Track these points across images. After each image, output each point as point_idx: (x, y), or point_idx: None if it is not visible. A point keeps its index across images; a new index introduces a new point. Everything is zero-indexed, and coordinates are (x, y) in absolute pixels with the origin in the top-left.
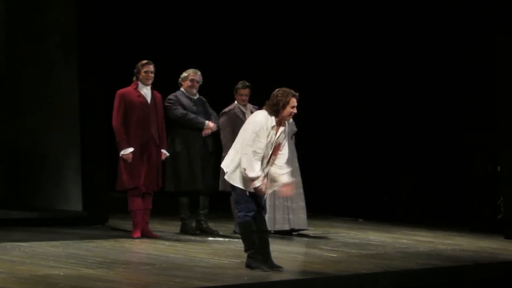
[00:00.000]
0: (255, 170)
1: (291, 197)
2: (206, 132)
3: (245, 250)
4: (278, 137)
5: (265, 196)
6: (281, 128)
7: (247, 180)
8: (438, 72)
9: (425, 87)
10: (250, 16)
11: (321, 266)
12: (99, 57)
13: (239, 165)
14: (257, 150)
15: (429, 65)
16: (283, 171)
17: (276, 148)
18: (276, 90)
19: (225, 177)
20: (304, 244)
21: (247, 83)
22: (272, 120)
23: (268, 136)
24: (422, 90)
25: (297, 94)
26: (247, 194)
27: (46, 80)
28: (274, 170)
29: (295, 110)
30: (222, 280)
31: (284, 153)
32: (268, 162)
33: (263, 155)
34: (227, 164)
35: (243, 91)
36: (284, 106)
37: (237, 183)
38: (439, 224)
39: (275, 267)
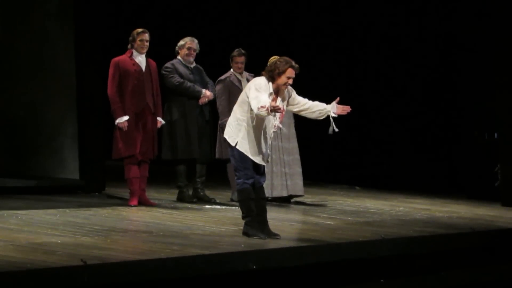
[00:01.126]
0: (264, 100)
1: (289, 163)
2: (202, 100)
3: (243, 217)
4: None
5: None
6: (279, 99)
7: (262, 110)
8: (440, 45)
9: (425, 60)
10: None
11: (318, 234)
12: (95, 25)
13: (240, 130)
14: (262, 97)
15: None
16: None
17: (281, 116)
18: (278, 57)
19: (229, 142)
20: (301, 212)
21: (243, 51)
22: (270, 87)
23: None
24: (421, 63)
25: (296, 65)
26: (247, 161)
27: (42, 49)
28: (316, 108)
29: (290, 81)
30: (219, 247)
31: (304, 101)
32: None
33: (265, 123)
34: (228, 131)
35: (239, 59)
36: (279, 74)
37: (240, 147)
38: (436, 192)
39: (272, 235)
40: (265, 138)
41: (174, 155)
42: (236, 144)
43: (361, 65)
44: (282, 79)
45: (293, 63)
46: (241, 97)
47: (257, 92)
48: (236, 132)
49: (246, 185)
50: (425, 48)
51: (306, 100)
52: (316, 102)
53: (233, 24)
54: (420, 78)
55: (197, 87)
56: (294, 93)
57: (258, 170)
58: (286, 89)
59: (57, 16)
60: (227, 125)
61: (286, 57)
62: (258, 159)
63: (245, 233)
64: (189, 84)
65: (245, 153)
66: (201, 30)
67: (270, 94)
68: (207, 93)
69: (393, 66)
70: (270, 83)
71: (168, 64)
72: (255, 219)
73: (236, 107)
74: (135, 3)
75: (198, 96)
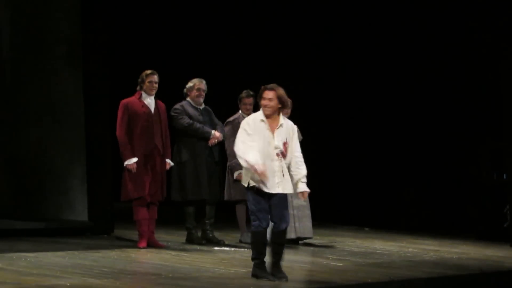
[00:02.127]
0: (249, 154)
1: (297, 206)
2: (212, 141)
3: (252, 259)
4: (274, 132)
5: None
6: (280, 124)
7: (250, 170)
8: (444, 81)
9: (431, 96)
10: (254, 25)
11: (327, 275)
12: (104, 67)
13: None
14: (245, 140)
15: (435, 74)
16: (298, 177)
17: (284, 147)
18: None
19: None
20: (310, 253)
21: (251, 92)
22: (260, 115)
23: (257, 130)
24: (428, 99)
25: (270, 86)
26: (261, 203)
27: (51, 91)
28: (292, 175)
29: (266, 102)
30: None
31: (298, 156)
32: (279, 160)
33: (266, 153)
34: (242, 175)
35: (247, 100)
36: (259, 99)
37: (246, 182)
38: (445, 233)
39: (281, 277)
40: (271, 170)
41: (184, 197)
42: (248, 185)
43: (372, 107)
44: (262, 102)
45: (266, 86)
46: None
47: (242, 130)
48: (245, 173)
49: (261, 228)
50: (434, 89)
51: (297, 156)
52: (296, 171)
53: (240, 64)
54: (432, 120)
55: (207, 128)
56: (296, 136)
57: (278, 212)
58: (289, 127)
59: (66, 58)
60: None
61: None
62: (267, 188)
63: (254, 275)
64: (198, 125)
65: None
66: (209, 70)
67: (262, 120)
68: (216, 134)
69: (402, 106)
70: (259, 112)
71: (177, 106)
72: (264, 262)
73: None
74: (144, 44)
75: (207, 137)
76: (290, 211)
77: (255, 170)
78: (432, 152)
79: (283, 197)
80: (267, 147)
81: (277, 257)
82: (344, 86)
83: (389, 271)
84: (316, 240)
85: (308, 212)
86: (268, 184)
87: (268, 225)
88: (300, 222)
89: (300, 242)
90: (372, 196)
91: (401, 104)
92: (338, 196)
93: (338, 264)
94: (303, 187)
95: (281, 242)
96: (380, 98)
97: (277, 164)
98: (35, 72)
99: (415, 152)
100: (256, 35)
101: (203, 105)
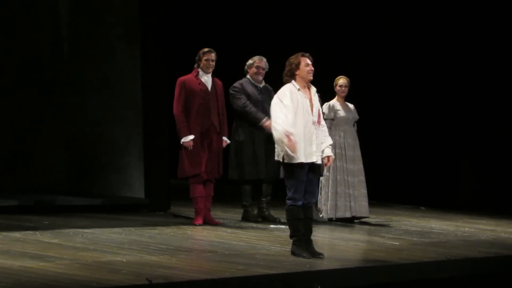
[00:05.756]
0: (286, 126)
1: (353, 185)
2: (267, 125)
3: (290, 237)
4: (312, 100)
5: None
6: (313, 90)
7: (283, 144)
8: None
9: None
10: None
11: (383, 254)
12: (162, 46)
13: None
14: (283, 112)
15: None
16: (326, 144)
17: (319, 115)
18: None
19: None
20: (366, 232)
21: None
22: (294, 84)
23: (294, 100)
24: (480, 77)
25: (306, 54)
26: (297, 179)
27: (108, 69)
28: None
29: (310, 67)
30: (284, 267)
31: (324, 124)
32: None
33: (305, 121)
34: (276, 149)
35: None
36: (297, 67)
37: (280, 157)
38: (502, 212)
39: (316, 254)
40: (308, 138)
41: (241, 176)
42: (283, 160)
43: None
44: (303, 69)
45: (302, 52)
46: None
47: (278, 100)
48: (280, 149)
49: (294, 206)
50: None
51: (324, 125)
52: (325, 139)
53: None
54: (488, 95)
55: (259, 114)
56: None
57: (311, 190)
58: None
59: (124, 36)
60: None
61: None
62: (304, 157)
63: (293, 253)
64: (252, 109)
65: (292, 160)
66: (270, 48)
67: (298, 89)
68: (266, 123)
69: (458, 83)
70: (293, 81)
71: (236, 84)
72: (302, 239)
73: None
74: (202, 22)
75: (256, 123)
76: (346, 190)
77: (289, 141)
78: (491, 129)
79: (317, 171)
80: (306, 116)
81: (309, 233)
82: (403, 69)
83: (445, 251)
84: (372, 219)
85: (364, 191)
86: (305, 152)
87: (302, 203)
88: (356, 202)
89: (355, 221)
90: (428, 175)
91: (459, 80)
92: (394, 175)
93: (394, 243)
94: (328, 152)
95: (311, 217)
96: (436, 78)
97: (314, 132)
98: (93, 51)
99: (472, 130)
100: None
101: (263, 83)
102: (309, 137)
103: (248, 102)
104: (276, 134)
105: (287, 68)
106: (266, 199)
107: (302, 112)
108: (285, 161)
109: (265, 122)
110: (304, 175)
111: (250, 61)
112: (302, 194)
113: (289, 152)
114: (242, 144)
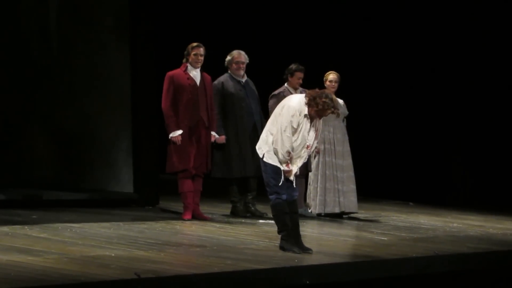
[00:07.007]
0: (288, 151)
1: (342, 180)
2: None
3: (278, 232)
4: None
5: (292, 178)
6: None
7: (283, 160)
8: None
9: (484, 69)
10: None
11: (372, 250)
12: (151, 40)
13: (267, 143)
14: (288, 134)
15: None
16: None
17: (316, 137)
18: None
19: (258, 153)
20: (354, 227)
21: (301, 66)
22: (304, 108)
23: (300, 123)
24: (471, 74)
25: (336, 111)
26: (278, 175)
27: (97, 63)
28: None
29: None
30: (272, 262)
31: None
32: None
33: (299, 143)
34: (259, 143)
35: (301, 74)
36: (318, 113)
37: (267, 158)
38: (490, 208)
39: (305, 249)
40: (300, 152)
41: (228, 174)
42: (263, 157)
43: (418, 82)
44: (319, 116)
45: (333, 108)
46: (276, 110)
47: (290, 127)
48: (263, 144)
49: (279, 200)
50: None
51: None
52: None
53: (286, 36)
54: (479, 93)
55: (219, 128)
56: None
57: (290, 184)
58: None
59: (113, 30)
60: (260, 139)
61: (333, 96)
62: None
63: (281, 247)
64: (217, 116)
65: (273, 163)
66: (256, 43)
67: (305, 116)
68: (215, 138)
69: (448, 81)
70: (306, 108)
71: (216, 82)
72: (290, 233)
73: (270, 121)
74: (190, 17)
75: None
76: (334, 186)
77: (287, 166)
78: (479, 126)
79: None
80: (303, 140)
81: (297, 228)
82: (393, 64)
83: (434, 246)
84: (361, 214)
85: (353, 187)
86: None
87: (286, 197)
88: (344, 197)
89: (344, 216)
90: (417, 171)
91: (449, 76)
92: (383, 170)
93: (382, 238)
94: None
95: (297, 211)
96: (425, 74)
97: (302, 156)
98: (82, 44)
99: (461, 126)
100: (303, 6)
101: (245, 77)
102: (295, 158)
103: (219, 110)
104: (280, 156)
105: (315, 101)
106: (252, 194)
107: (302, 135)
108: (264, 159)
109: (219, 138)
110: (281, 175)
111: (228, 57)
112: (285, 188)
113: (280, 165)
114: (228, 141)
